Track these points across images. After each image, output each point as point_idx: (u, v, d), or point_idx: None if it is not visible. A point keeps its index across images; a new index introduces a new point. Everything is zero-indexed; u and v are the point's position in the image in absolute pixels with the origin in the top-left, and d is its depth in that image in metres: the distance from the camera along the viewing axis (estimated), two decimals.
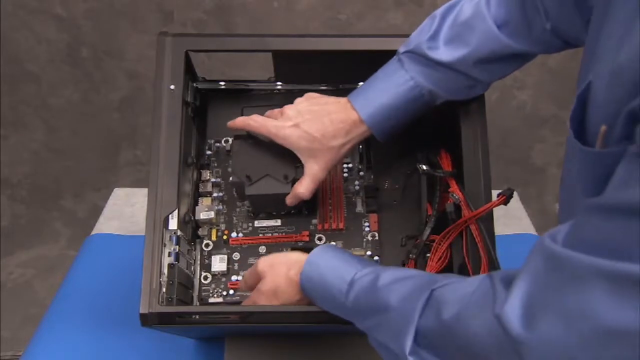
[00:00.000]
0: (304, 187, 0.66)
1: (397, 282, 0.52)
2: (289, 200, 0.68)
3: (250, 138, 0.70)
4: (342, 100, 0.66)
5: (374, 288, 0.53)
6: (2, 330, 1.57)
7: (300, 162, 0.67)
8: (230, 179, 0.70)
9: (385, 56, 0.69)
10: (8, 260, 1.74)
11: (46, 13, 1.85)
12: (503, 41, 0.61)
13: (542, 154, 1.89)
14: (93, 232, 0.99)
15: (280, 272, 0.63)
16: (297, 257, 0.63)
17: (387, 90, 0.64)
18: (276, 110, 0.69)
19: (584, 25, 0.53)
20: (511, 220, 1.02)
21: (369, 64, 0.74)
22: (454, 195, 0.67)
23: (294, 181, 0.68)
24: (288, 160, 0.67)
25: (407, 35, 0.69)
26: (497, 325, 0.39)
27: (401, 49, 0.65)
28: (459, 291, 0.46)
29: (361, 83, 0.78)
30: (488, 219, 0.65)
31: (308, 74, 0.76)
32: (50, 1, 1.85)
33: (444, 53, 0.62)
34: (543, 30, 0.59)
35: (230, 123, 0.71)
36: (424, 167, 0.71)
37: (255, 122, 0.67)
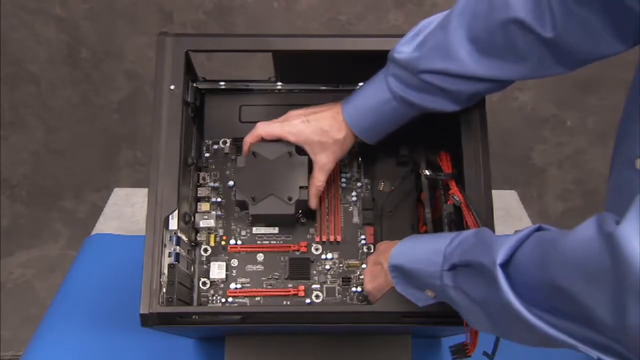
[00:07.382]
0: (319, 180, 0.70)
1: None
2: (313, 201, 0.71)
3: (256, 155, 0.70)
4: (337, 104, 0.70)
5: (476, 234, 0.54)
6: (2, 330, 1.57)
7: (304, 183, 0.69)
8: (235, 197, 0.70)
9: (385, 56, 0.69)
10: (8, 260, 1.74)
11: (46, 13, 1.85)
12: (464, 62, 0.59)
13: (543, 155, 1.89)
14: (93, 232, 0.99)
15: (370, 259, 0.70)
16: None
17: (368, 93, 0.67)
18: (274, 121, 0.70)
19: (610, 33, 0.51)
20: (511, 220, 1.02)
21: (369, 64, 0.74)
22: (454, 196, 0.67)
23: (297, 202, 0.69)
24: (292, 181, 0.69)
25: None
26: (605, 244, 0.37)
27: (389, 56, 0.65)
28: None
29: (361, 83, 0.78)
30: (488, 219, 0.65)
31: (308, 74, 0.77)
32: (49, 1, 1.85)
33: (407, 54, 0.62)
34: (535, 44, 0.55)
35: (244, 150, 0.72)
36: (427, 172, 0.71)
37: (262, 129, 0.69)
